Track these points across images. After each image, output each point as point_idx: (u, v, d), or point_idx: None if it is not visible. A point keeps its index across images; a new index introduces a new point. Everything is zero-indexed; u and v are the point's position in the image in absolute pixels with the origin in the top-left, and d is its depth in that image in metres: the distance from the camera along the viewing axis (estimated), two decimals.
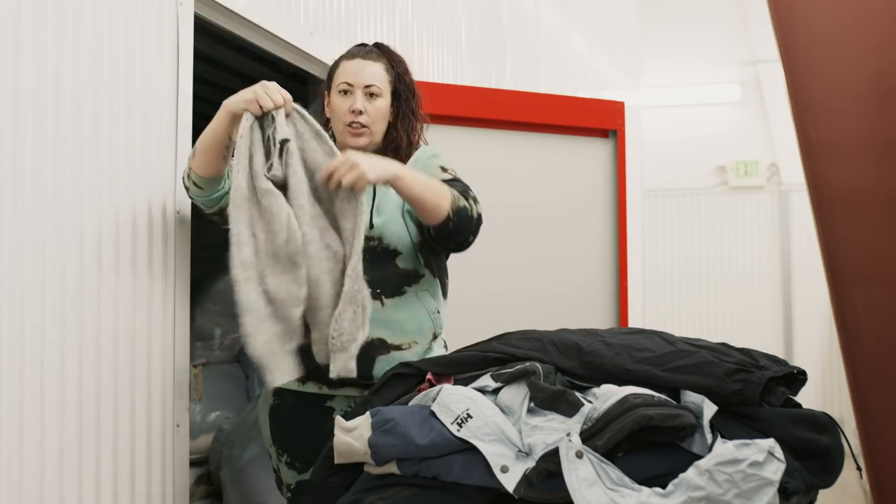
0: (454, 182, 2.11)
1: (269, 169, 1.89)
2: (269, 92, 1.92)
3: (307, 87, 3.25)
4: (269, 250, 1.86)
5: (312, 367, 2.06)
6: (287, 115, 1.93)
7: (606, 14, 7.01)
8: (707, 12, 8.58)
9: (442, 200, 2.00)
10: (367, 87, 2.14)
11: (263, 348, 1.85)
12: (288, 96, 1.94)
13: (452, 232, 2.03)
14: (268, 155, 1.90)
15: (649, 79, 8.43)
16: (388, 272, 2.09)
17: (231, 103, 1.96)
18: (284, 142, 1.90)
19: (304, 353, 1.93)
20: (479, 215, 2.08)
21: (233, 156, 1.98)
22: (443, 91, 3.41)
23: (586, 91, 5.36)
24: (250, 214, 1.88)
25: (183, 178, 2.13)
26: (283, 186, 1.91)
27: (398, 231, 2.11)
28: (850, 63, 2.34)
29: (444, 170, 2.15)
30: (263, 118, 1.93)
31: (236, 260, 1.86)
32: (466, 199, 2.06)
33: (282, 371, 1.87)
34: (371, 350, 2.04)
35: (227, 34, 2.63)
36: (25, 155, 1.82)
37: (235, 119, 1.95)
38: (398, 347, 2.06)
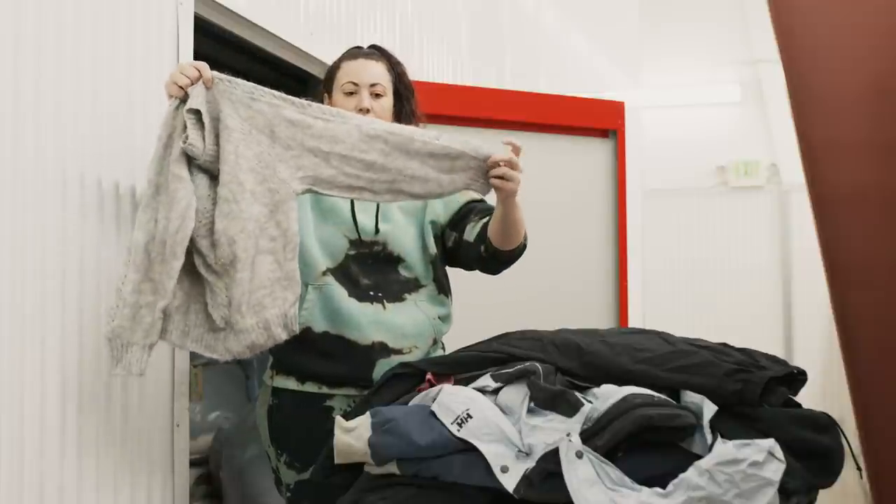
0: (484, 203, 2.18)
1: (185, 140, 1.84)
2: (182, 69, 1.89)
3: (307, 87, 3.25)
4: (161, 238, 1.83)
5: (310, 368, 2.07)
6: (208, 88, 1.87)
7: (606, 14, 7.02)
8: (707, 12, 8.56)
9: (523, 229, 2.09)
10: (372, 86, 2.14)
11: (113, 334, 1.83)
12: (202, 66, 1.88)
13: (514, 258, 2.13)
14: (185, 126, 1.86)
15: (649, 79, 8.43)
16: (390, 278, 2.10)
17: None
18: (195, 112, 1.85)
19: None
20: None
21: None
22: (442, 91, 3.41)
23: (586, 91, 5.36)
24: (158, 200, 1.85)
25: None
26: (212, 162, 1.87)
27: (404, 240, 2.12)
28: (851, 63, 2.34)
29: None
30: (185, 100, 1.87)
31: (131, 241, 1.86)
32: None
33: (125, 364, 1.84)
34: (372, 353, 2.04)
35: (227, 34, 2.64)
36: (26, 154, 1.82)
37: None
38: (399, 352, 2.06)
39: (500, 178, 1.95)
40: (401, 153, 1.94)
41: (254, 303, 1.85)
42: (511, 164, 1.95)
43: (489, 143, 1.99)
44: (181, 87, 1.87)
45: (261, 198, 1.87)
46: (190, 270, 1.88)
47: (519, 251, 2.13)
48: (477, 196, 2.17)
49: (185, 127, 1.86)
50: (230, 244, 1.83)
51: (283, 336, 1.88)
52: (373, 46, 2.26)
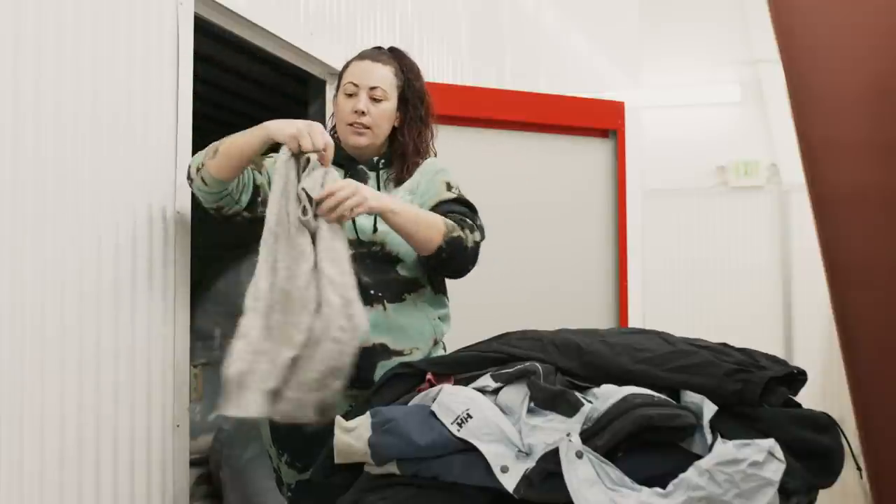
0: (456, 204, 2.12)
1: (304, 212, 1.87)
2: (313, 134, 1.90)
3: (307, 87, 3.25)
4: (283, 288, 1.85)
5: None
6: (324, 165, 1.91)
7: (606, 14, 7.02)
8: (707, 12, 8.57)
9: (434, 234, 2.01)
10: (371, 88, 2.13)
11: (237, 377, 1.83)
12: (330, 143, 1.92)
13: (445, 262, 2.05)
14: (299, 198, 1.89)
15: (649, 79, 8.43)
16: (389, 278, 2.09)
17: (273, 130, 1.94)
18: (306, 192, 1.89)
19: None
20: (476, 244, 2.09)
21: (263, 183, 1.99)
22: (442, 91, 3.40)
23: (586, 91, 5.36)
24: (276, 248, 1.87)
25: (190, 167, 2.11)
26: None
27: (401, 240, 2.11)
28: (851, 63, 2.34)
29: (449, 187, 2.16)
30: (299, 156, 1.91)
31: (251, 290, 1.87)
32: (462, 228, 2.06)
33: (240, 406, 1.83)
34: (373, 355, 2.04)
35: (227, 34, 2.64)
36: (26, 154, 1.82)
37: (269, 143, 1.95)
38: (399, 353, 2.06)
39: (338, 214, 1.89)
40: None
41: (304, 380, 1.84)
42: (336, 190, 1.89)
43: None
44: (300, 146, 1.89)
45: (339, 288, 1.87)
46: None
47: (446, 255, 2.04)
48: (451, 195, 2.14)
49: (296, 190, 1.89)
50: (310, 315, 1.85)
51: (314, 419, 1.86)
52: (390, 49, 2.25)
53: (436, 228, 2.02)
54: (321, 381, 1.84)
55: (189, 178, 2.11)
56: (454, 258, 2.05)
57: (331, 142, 1.93)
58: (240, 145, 2.00)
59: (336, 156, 2.22)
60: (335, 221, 1.89)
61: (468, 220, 2.10)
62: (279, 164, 1.91)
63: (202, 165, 2.05)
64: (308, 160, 1.90)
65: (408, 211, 2.00)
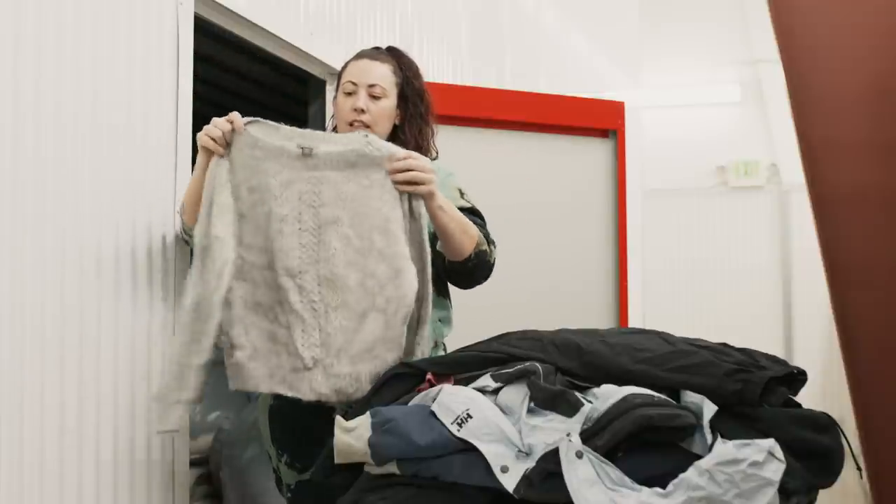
0: (471, 214, 2.13)
1: (304, 152, 1.87)
2: (217, 125, 1.89)
3: (307, 87, 3.25)
4: (204, 298, 1.85)
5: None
6: (238, 132, 1.89)
7: (606, 14, 7.02)
8: (707, 12, 8.57)
9: (468, 242, 2.03)
10: (370, 86, 2.13)
11: (160, 392, 1.89)
12: (234, 120, 1.88)
13: (468, 272, 2.08)
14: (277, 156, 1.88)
15: (649, 79, 8.43)
16: None
17: (200, 145, 1.93)
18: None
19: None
20: (494, 262, 2.12)
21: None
22: (442, 91, 3.40)
23: (586, 91, 5.36)
24: (202, 260, 1.87)
25: (181, 233, 2.14)
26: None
27: None
28: (851, 63, 2.34)
29: (462, 194, 2.17)
30: (228, 151, 1.89)
31: (183, 304, 1.89)
32: (488, 243, 2.09)
33: (166, 418, 1.92)
34: None
35: (227, 34, 2.64)
36: (26, 154, 1.82)
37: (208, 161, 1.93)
38: None
39: (407, 182, 1.88)
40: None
41: (353, 353, 1.87)
42: (411, 158, 1.89)
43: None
44: (215, 141, 1.88)
45: (389, 259, 1.88)
46: (272, 315, 1.89)
47: (472, 265, 2.06)
48: (466, 204, 2.15)
49: (225, 180, 1.89)
50: (345, 291, 1.86)
51: (367, 391, 1.88)
52: (388, 48, 2.25)
53: (471, 237, 2.04)
54: (372, 351, 1.87)
55: (185, 242, 2.13)
56: (476, 270, 2.08)
57: (235, 116, 1.90)
58: (190, 184, 2.01)
59: None
60: (397, 184, 1.87)
61: (490, 235, 2.13)
62: (208, 175, 1.89)
63: (183, 225, 2.08)
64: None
65: (453, 212, 2.01)
